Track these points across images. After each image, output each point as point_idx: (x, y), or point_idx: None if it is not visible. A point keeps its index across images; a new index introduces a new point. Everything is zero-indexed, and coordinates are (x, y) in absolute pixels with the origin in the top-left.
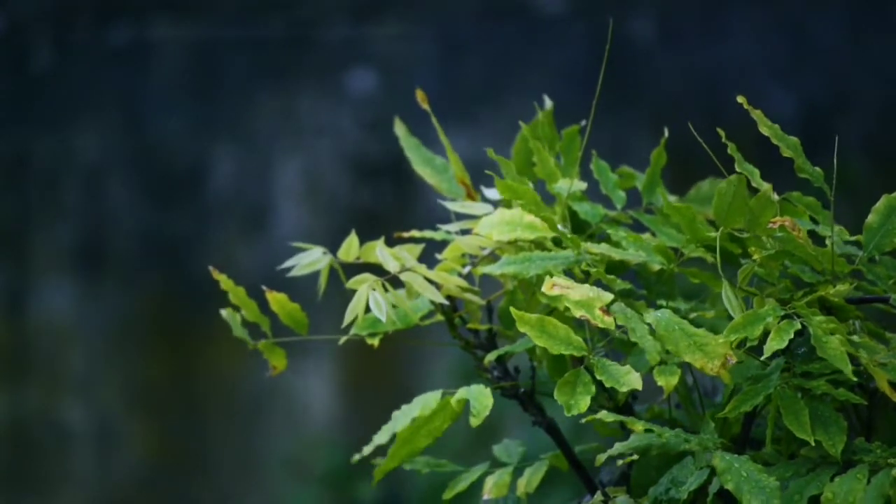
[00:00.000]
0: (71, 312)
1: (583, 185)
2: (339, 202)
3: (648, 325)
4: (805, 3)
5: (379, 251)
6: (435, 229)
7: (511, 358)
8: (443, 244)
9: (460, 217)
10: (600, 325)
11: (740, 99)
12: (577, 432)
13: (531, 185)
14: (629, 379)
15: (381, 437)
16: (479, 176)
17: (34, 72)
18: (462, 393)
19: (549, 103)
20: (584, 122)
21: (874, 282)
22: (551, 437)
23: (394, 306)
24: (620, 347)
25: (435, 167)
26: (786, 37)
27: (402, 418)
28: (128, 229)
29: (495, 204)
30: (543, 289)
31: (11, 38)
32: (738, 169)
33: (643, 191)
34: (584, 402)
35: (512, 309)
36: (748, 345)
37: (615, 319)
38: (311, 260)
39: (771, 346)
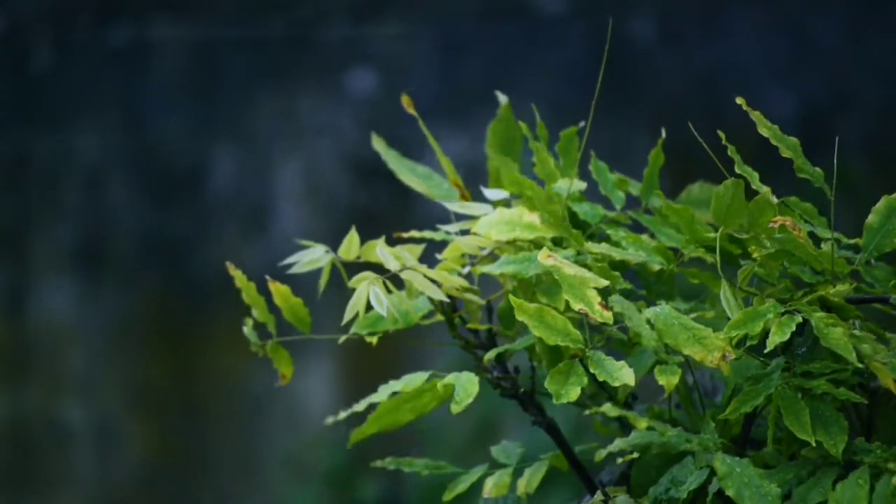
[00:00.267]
0: (71, 312)
1: (582, 186)
2: (339, 202)
3: (647, 320)
4: (805, 3)
5: (379, 250)
6: (434, 230)
7: (511, 358)
8: (442, 244)
9: (460, 217)
10: (599, 320)
11: (739, 101)
12: (576, 432)
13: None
14: (622, 374)
15: (359, 406)
16: (480, 176)
17: (34, 72)
18: (451, 378)
19: (503, 99)
20: (582, 123)
21: (872, 284)
22: (551, 437)
23: (394, 303)
24: (620, 348)
25: (418, 175)
26: (786, 37)
27: (384, 391)
28: (128, 229)
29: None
30: (539, 258)
31: (11, 38)
32: (737, 171)
33: (641, 192)
34: (574, 392)
35: (511, 297)
36: (748, 344)
37: (613, 313)
38: (312, 258)
39: (773, 339)
